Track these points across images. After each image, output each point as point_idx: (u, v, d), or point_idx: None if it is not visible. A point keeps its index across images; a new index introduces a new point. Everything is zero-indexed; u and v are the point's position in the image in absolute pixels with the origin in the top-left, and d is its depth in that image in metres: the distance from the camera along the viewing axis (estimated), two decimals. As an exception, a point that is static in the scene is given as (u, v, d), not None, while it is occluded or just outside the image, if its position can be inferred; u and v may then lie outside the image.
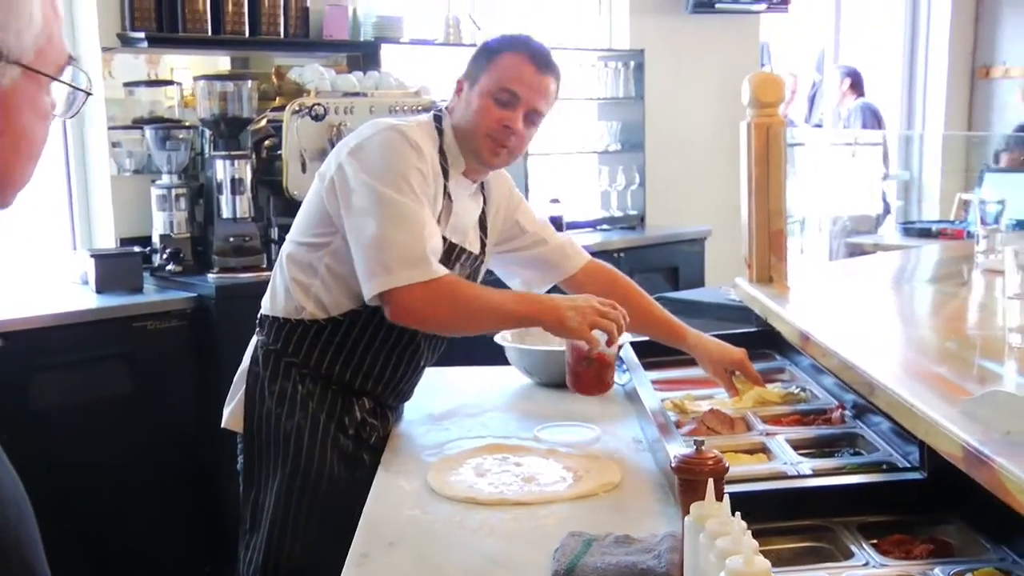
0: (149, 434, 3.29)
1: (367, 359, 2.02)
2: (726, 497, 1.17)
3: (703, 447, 1.29)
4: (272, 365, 2.02)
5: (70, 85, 0.96)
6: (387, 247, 1.86)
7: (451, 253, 2.02)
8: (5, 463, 0.91)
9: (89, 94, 0.98)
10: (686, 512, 1.23)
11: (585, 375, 2.03)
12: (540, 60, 2.00)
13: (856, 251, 4.48)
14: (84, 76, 0.97)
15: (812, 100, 8.09)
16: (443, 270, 1.90)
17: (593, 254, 4.72)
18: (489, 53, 2.02)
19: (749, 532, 1.10)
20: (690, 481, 1.26)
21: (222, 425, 2.09)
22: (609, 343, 1.96)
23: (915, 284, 2.87)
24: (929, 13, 7.54)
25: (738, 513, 1.17)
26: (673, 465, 1.29)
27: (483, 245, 2.16)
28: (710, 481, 1.20)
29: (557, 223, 4.77)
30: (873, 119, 6.46)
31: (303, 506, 1.94)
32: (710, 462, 1.27)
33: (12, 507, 0.87)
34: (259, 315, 2.09)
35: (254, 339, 2.09)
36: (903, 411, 1.53)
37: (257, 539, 1.97)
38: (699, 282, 5.00)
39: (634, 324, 2.36)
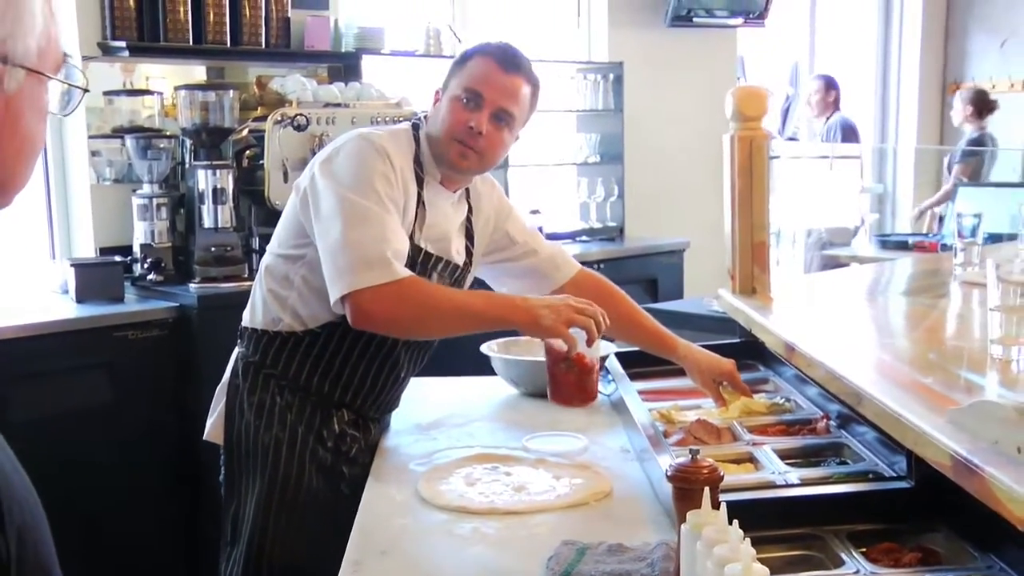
0: (130, 445, 3.28)
1: (345, 371, 2.01)
2: (723, 505, 1.19)
3: (698, 456, 1.31)
4: (251, 377, 2.02)
5: (69, 84, 0.96)
6: (348, 250, 1.84)
7: (427, 262, 2.01)
8: (19, 469, 0.91)
9: (86, 91, 0.98)
10: (682, 520, 1.24)
11: (565, 380, 1.96)
12: (506, 61, 1.99)
13: (832, 263, 4.53)
14: (79, 73, 0.97)
15: (785, 113, 8.17)
16: (406, 272, 1.87)
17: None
18: (461, 60, 2.03)
19: (746, 540, 1.12)
20: (686, 490, 1.27)
21: (204, 437, 2.08)
22: (589, 342, 1.91)
23: (895, 296, 2.91)
24: (901, 30, 7.65)
25: (735, 521, 1.18)
26: (669, 474, 1.30)
27: (469, 254, 2.16)
28: (706, 490, 1.21)
29: (537, 234, 4.81)
30: (851, 134, 6.51)
31: (282, 518, 1.94)
32: (705, 471, 1.28)
33: (27, 512, 0.87)
34: (239, 327, 2.09)
35: (235, 351, 2.09)
36: (891, 421, 1.56)
37: (237, 551, 1.96)
38: (678, 294, 5.03)
39: (623, 334, 2.38)
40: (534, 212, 4.82)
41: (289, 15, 4.11)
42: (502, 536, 1.64)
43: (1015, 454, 1.27)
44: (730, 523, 1.18)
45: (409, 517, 1.72)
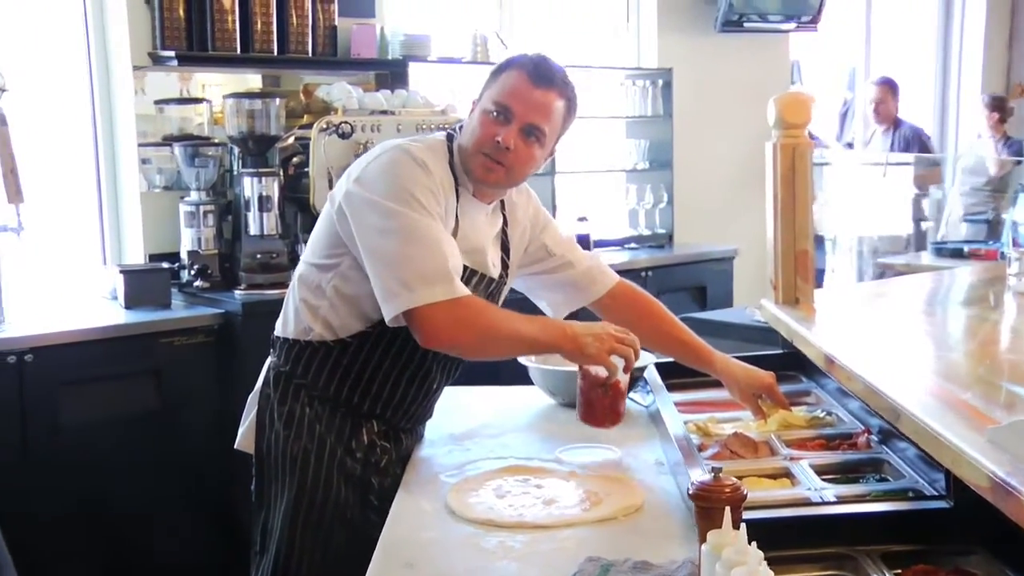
0: (173, 450, 3.31)
1: (376, 382, 1.99)
2: (743, 526, 1.16)
3: (720, 474, 1.28)
4: (282, 387, 2.01)
5: None
6: (404, 264, 1.82)
7: (462, 276, 1.98)
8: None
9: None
10: (703, 540, 1.22)
11: (600, 404, 1.98)
12: (539, 75, 1.95)
13: (885, 272, 4.43)
14: None
15: (843, 118, 8.04)
16: (466, 290, 1.87)
17: (620, 273, 4.71)
18: (495, 72, 2.00)
19: (765, 562, 1.09)
20: (707, 509, 1.24)
21: (235, 446, 2.09)
22: (626, 369, 1.94)
23: (945, 307, 2.84)
24: (962, 31, 7.49)
25: (754, 542, 1.15)
26: (691, 492, 1.28)
27: (504, 266, 2.14)
28: (727, 509, 1.18)
29: (584, 242, 4.77)
30: (924, 144, 6.33)
31: (309, 529, 1.93)
32: (728, 490, 1.25)
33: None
34: (272, 336, 2.09)
35: (268, 360, 2.09)
36: (929, 439, 1.51)
37: (265, 562, 1.97)
38: (727, 302, 4.97)
39: (660, 347, 2.35)
40: (581, 219, 4.78)
41: (336, 23, 4.13)
42: (529, 551, 1.62)
43: (1053, 476, 1.22)
44: (757, 541, 1.15)
45: (436, 530, 1.71)
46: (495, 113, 1.94)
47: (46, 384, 3.08)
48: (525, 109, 1.94)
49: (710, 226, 5.49)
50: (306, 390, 2.00)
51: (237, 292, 3.54)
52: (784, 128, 2.48)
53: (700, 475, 1.40)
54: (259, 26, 3.89)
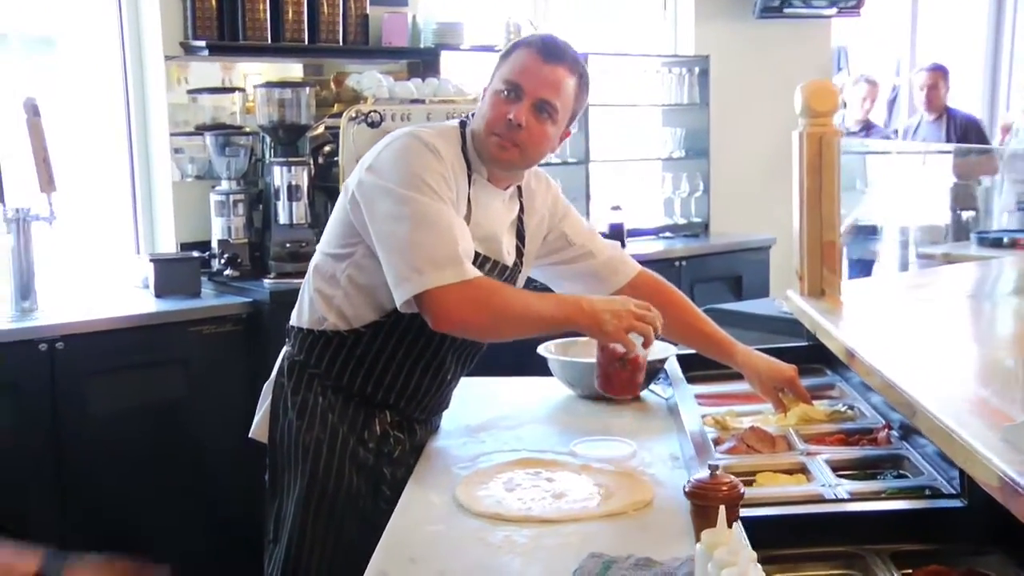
0: (201, 439, 3.33)
1: (389, 372, 1.99)
2: (736, 525, 1.13)
3: (718, 472, 1.25)
4: (296, 376, 2.02)
5: None
6: (415, 249, 1.81)
7: (474, 262, 1.97)
8: None
9: None
10: (698, 538, 1.19)
11: (617, 377, 1.97)
12: (547, 51, 1.93)
13: (926, 262, 4.35)
14: None
15: (891, 105, 7.90)
16: (475, 272, 1.86)
17: (655, 261, 4.69)
18: (504, 54, 1.99)
19: (756, 563, 1.06)
20: (702, 507, 1.21)
21: (249, 435, 2.10)
22: (645, 345, 1.92)
23: (979, 298, 2.77)
24: (1015, 15, 7.32)
25: (746, 542, 1.12)
26: (687, 490, 1.25)
27: (519, 254, 2.12)
28: (722, 508, 1.16)
29: (618, 230, 4.74)
30: (980, 134, 6.08)
31: (320, 519, 1.93)
32: (724, 488, 1.23)
33: None
34: (287, 326, 2.09)
35: (283, 350, 2.09)
36: (943, 436, 1.46)
37: (278, 551, 1.97)
38: (763, 292, 4.90)
39: (682, 338, 2.32)
40: (615, 208, 4.74)
41: (368, 12, 4.13)
42: (534, 545, 1.60)
43: (1064, 477, 1.18)
44: (763, 538, 1.12)
45: (443, 523, 1.70)
46: (506, 92, 1.93)
47: (76, 372, 3.11)
48: (535, 85, 1.92)
49: (747, 215, 5.42)
50: (319, 380, 2.00)
51: (266, 281, 3.55)
52: (811, 116, 2.43)
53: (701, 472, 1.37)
54: (290, 15, 3.90)
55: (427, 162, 1.88)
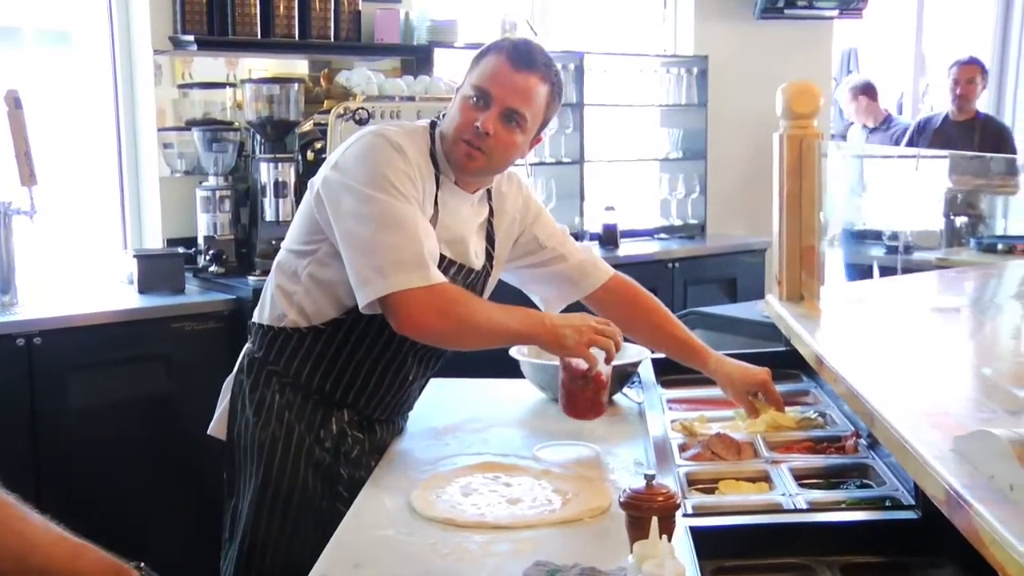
0: (182, 435, 3.30)
1: (348, 370, 1.97)
2: (665, 538, 1.10)
3: (653, 482, 1.22)
4: (255, 373, 1.99)
5: None
6: (380, 251, 1.79)
7: (440, 265, 1.95)
8: None
9: None
10: (632, 550, 1.16)
11: (581, 396, 1.96)
12: (519, 58, 1.90)
13: (918, 267, 4.30)
14: None
15: (900, 108, 7.84)
16: (442, 277, 1.84)
17: (649, 263, 4.65)
18: (476, 58, 1.95)
19: (681, 577, 1.03)
20: (636, 518, 1.18)
21: (208, 432, 2.08)
22: (607, 360, 1.91)
23: (961, 306, 2.73)
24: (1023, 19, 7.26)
25: (692, 552, 1.10)
26: (621, 500, 1.22)
27: (489, 257, 2.09)
28: (654, 519, 1.13)
29: (611, 231, 4.71)
30: (1007, 137, 5.65)
31: (275, 518, 1.91)
32: (659, 499, 1.20)
33: None
34: (248, 323, 2.07)
35: (245, 347, 2.07)
36: (897, 446, 1.43)
37: (232, 549, 1.95)
38: (758, 294, 4.84)
39: (654, 343, 2.29)
40: (608, 209, 4.71)
41: (360, 8, 4.11)
42: (484, 551, 1.57)
43: (1008, 492, 1.15)
44: (712, 549, 1.09)
45: (394, 528, 1.67)
46: (474, 98, 1.91)
47: (55, 367, 3.09)
48: (505, 93, 1.89)
49: (743, 217, 5.39)
50: (278, 377, 1.98)
51: (251, 278, 3.53)
52: (792, 118, 2.39)
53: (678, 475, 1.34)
54: (281, 10, 3.88)
55: (392, 161, 1.86)
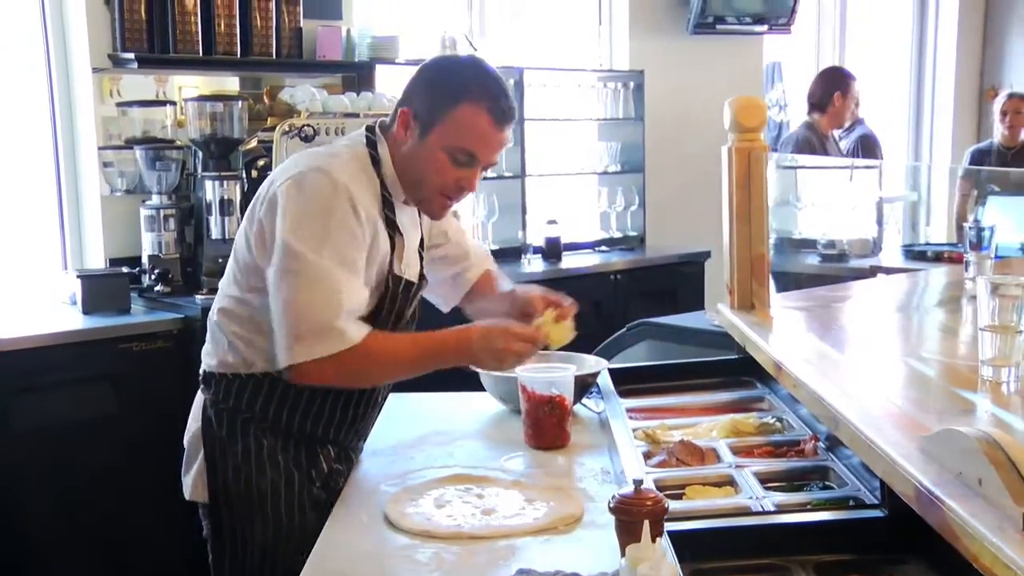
0: (133, 456, 3.27)
1: (326, 407, 1.94)
2: (660, 541, 1.14)
3: (642, 487, 1.26)
4: (228, 424, 1.92)
5: None
6: (297, 314, 1.76)
7: (408, 291, 1.93)
8: None
9: None
10: (623, 553, 1.19)
11: (547, 422, 2.03)
12: (503, 116, 1.85)
13: (853, 275, 4.43)
14: None
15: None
16: (359, 334, 1.79)
17: (592, 275, 4.71)
18: (451, 98, 1.84)
19: (678, 578, 1.06)
20: (627, 522, 1.22)
21: (186, 497, 1.98)
22: (526, 356, 1.95)
23: (902, 311, 2.82)
24: (936, 33, 7.50)
25: (673, 556, 1.13)
26: (611, 505, 1.25)
27: (422, 260, 2.06)
28: (646, 523, 1.16)
29: (555, 244, 4.76)
30: (873, 147, 5.85)
31: (287, 562, 1.83)
32: (649, 503, 1.23)
33: None
34: (202, 371, 1.97)
35: (199, 398, 1.99)
36: (863, 447, 1.49)
37: None
38: (698, 304, 4.94)
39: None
40: (551, 223, 4.77)
41: (301, 25, 4.10)
42: (462, 562, 1.59)
43: (976, 487, 1.21)
44: (690, 552, 1.13)
45: (371, 541, 1.68)
46: (460, 158, 1.86)
47: (0, 390, 3.03)
48: (490, 153, 1.89)
49: (682, 229, 5.48)
50: (255, 424, 1.91)
51: (198, 296, 3.51)
52: (739, 131, 2.46)
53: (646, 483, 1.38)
54: (222, 27, 3.86)
55: (331, 210, 1.78)
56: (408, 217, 1.98)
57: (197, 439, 1.96)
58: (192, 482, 1.97)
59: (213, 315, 1.95)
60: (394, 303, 1.94)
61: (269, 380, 1.89)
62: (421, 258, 2.06)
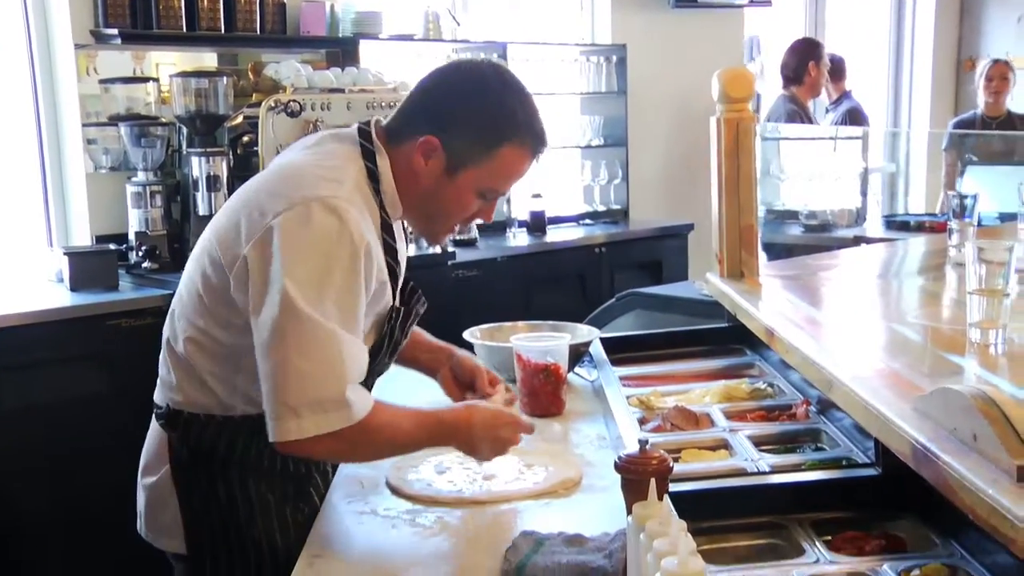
0: (121, 433, 3.25)
1: None
2: (667, 498, 1.16)
3: (648, 446, 1.28)
4: (205, 467, 1.72)
5: None
6: (295, 382, 1.52)
7: (406, 320, 1.80)
8: None
9: None
10: (629, 512, 1.22)
11: (542, 391, 2.07)
12: (540, 150, 1.70)
13: (836, 244, 4.48)
14: None
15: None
16: (363, 408, 1.57)
17: (576, 248, 4.72)
18: (490, 140, 1.65)
19: (687, 533, 1.09)
20: (633, 481, 1.25)
21: (165, 550, 1.79)
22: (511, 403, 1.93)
23: (888, 278, 2.87)
24: (914, 5, 7.54)
25: (674, 513, 1.16)
26: (618, 464, 1.28)
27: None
28: (652, 481, 1.19)
29: (539, 218, 4.79)
30: (860, 120, 5.97)
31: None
32: (654, 462, 1.26)
33: None
34: (165, 406, 1.75)
35: (160, 436, 1.77)
36: (858, 408, 1.53)
37: None
38: (682, 276, 4.98)
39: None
40: (536, 196, 4.78)
41: (285, 1, 4.09)
42: (465, 526, 1.62)
43: (971, 442, 1.24)
44: (692, 511, 1.16)
45: (374, 506, 1.71)
46: (488, 196, 1.71)
47: (-11, 369, 3.04)
48: (517, 183, 1.78)
49: (665, 201, 5.52)
50: (238, 467, 1.72)
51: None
52: (728, 102, 2.49)
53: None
54: (205, 3, 3.85)
55: (338, 259, 1.55)
56: (398, 233, 1.78)
57: (167, 486, 1.74)
58: (168, 533, 1.76)
59: (178, 344, 1.71)
60: (392, 337, 1.77)
61: (249, 422, 1.68)
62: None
